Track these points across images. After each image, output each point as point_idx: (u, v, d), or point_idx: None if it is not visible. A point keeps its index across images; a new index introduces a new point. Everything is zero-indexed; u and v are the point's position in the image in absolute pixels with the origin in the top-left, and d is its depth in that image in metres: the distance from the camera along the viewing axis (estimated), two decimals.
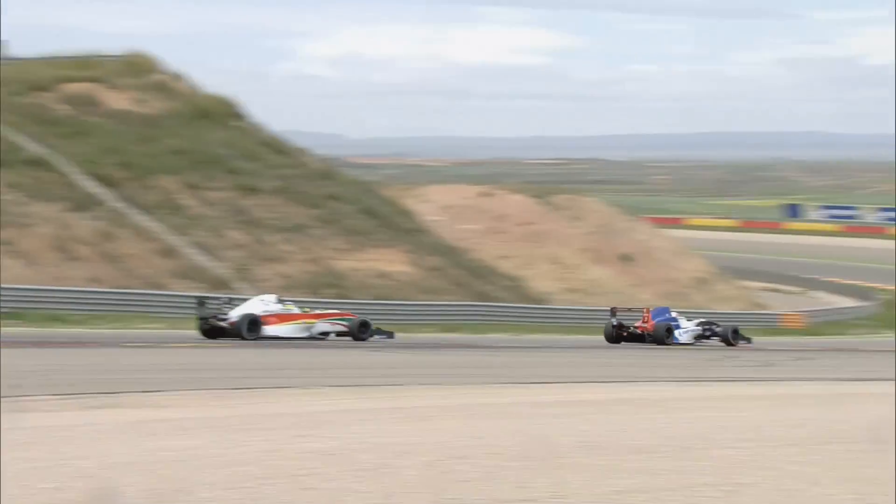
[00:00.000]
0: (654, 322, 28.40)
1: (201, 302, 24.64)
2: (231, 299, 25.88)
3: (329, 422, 9.19)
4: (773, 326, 44.27)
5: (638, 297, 48.77)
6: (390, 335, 25.82)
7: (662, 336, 28.23)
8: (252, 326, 23.90)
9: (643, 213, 74.64)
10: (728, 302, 52.06)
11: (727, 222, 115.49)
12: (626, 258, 53.12)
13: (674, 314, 29.39)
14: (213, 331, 23.87)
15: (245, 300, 25.51)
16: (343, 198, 43.90)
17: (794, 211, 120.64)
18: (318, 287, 37.27)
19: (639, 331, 28.33)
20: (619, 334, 28.18)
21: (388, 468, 6.59)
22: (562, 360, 22.32)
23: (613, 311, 28.67)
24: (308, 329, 25.04)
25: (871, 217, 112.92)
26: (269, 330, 24.15)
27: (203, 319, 24.14)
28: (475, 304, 39.37)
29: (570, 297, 47.55)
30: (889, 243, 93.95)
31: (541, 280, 48.64)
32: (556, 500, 5.85)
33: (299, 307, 25.51)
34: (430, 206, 55.27)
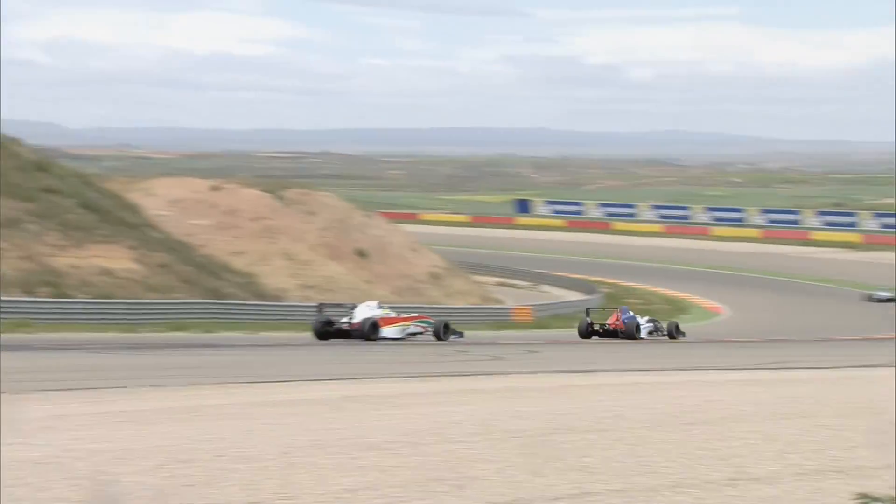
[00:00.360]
0: (623, 321, 33.23)
1: (321, 308, 29.15)
2: (339, 305, 30.69)
3: (48, 427, 8.81)
4: (506, 320, 45.76)
5: (373, 293, 49.34)
6: (461, 335, 29.75)
7: (633, 332, 33.08)
8: (373, 329, 27.99)
9: (378, 208, 75.52)
10: (462, 297, 53.45)
11: (460, 217, 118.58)
12: (361, 254, 53.58)
13: (631, 313, 34.35)
14: (330, 333, 27.86)
15: (354, 307, 29.37)
16: (60, 191, 42.06)
17: (523, 206, 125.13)
18: (33, 286, 35.54)
19: (612, 328, 33.12)
20: (592, 331, 32.52)
21: (105, 475, 6.39)
22: (295, 357, 22.28)
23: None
24: (404, 330, 28.94)
25: (596, 212, 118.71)
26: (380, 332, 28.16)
27: (321, 323, 28.08)
28: (206, 302, 38.66)
29: (305, 293, 47.50)
30: (610, 238, 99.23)
31: (275, 276, 48.32)
32: (285, 502, 5.84)
33: (395, 312, 29.71)
34: (157, 199, 53.81)
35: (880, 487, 5.60)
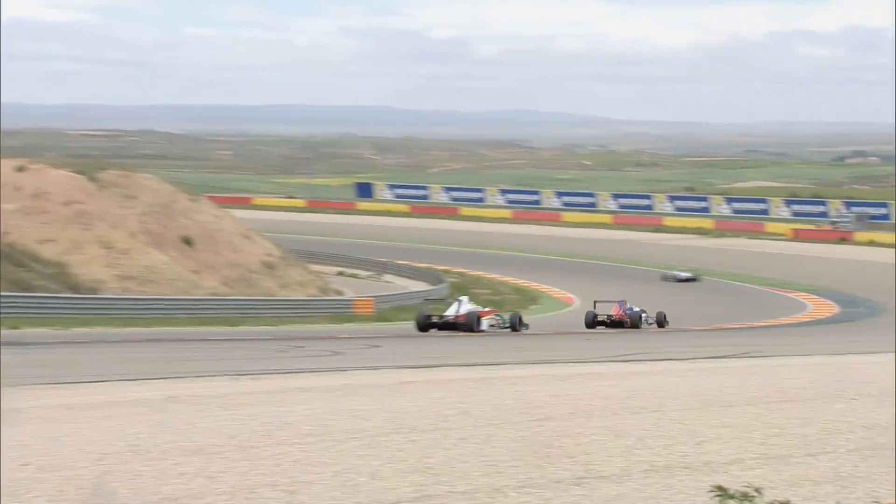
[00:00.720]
0: (625, 312, 38.81)
1: (426, 301, 36.83)
2: (439, 300, 37.34)
3: None
4: (348, 313, 45.70)
5: (200, 284, 48.60)
6: (527, 326, 35.20)
7: (638, 321, 38.71)
8: (478, 321, 33.49)
9: (206, 191, 74.41)
10: (299, 288, 53.14)
11: (296, 202, 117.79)
12: (186, 241, 52.68)
13: (635, 308, 39.74)
14: (434, 325, 33.59)
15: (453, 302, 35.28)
16: None
17: (364, 190, 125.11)
18: None
19: (617, 318, 38.60)
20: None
21: None
22: (114, 356, 21.83)
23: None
24: (489, 323, 33.99)
25: (441, 197, 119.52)
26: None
27: (425, 316, 34.09)
28: (11, 295, 37.49)
29: (124, 284, 46.49)
30: (457, 224, 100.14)
31: (89, 266, 47.14)
32: None
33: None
34: None
35: (729, 483, 5.83)
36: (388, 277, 63.68)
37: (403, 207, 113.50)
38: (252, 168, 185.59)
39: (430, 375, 15.02)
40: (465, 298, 35.35)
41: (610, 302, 40.90)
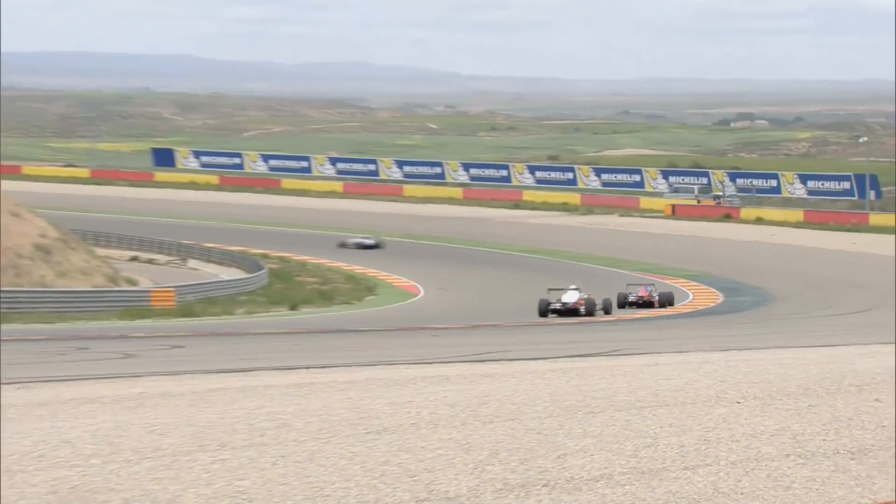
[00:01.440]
0: (654, 294, 47.96)
1: (550, 290, 44.15)
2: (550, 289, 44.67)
3: None
4: (144, 307, 45.11)
5: None
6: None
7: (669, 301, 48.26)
8: (594, 306, 42.75)
9: None
10: (82, 277, 52.16)
11: (78, 172, 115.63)
12: None
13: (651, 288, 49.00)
14: (555, 311, 42.28)
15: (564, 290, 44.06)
16: None
17: (163, 158, 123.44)
18: None
19: (646, 298, 47.46)
20: (629, 301, 46.74)
21: None
22: None
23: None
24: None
25: (258, 166, 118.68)
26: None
27: (546, 303, 42.78)
28: None
29: None
30: (277, 199, 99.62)
31: None
32: None
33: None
34: None
35: (592, 502, 5.96)
36: (193, 263, 63.00)
37: (212, 179, 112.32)
38: (20, 129, 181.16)
39: (243, 381, 14.95)
40: (573, 286, 44.47)
41: (637, 285, 49.63)
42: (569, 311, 42.32)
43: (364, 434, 9.61)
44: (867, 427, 10.50)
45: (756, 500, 7.63)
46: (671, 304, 48.27)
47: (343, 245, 69.09)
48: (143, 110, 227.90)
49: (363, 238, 70.29)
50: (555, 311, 42.50)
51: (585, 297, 43.55)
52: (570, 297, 43.12)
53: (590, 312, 42.67)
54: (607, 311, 44.13)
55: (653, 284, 50.18)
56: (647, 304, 47.36)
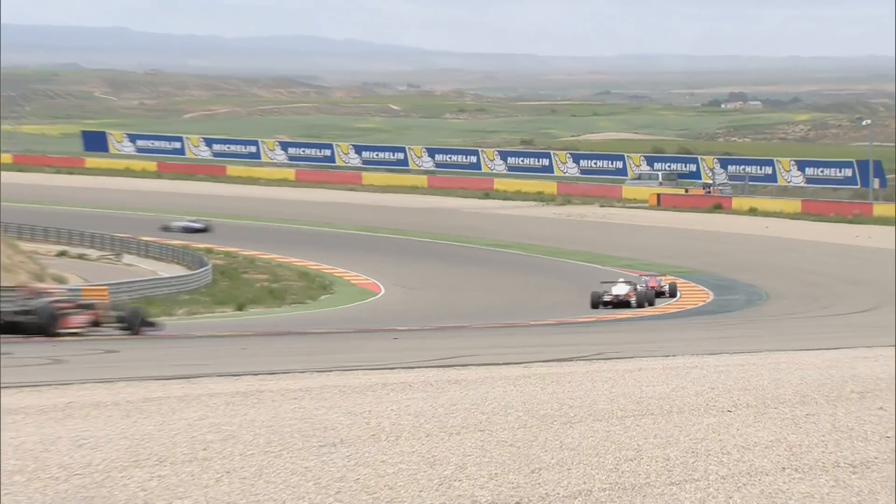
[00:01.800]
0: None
1: (603, 282, 49.31)
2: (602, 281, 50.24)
3: None
4: None
5: None
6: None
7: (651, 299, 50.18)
8: (650, 297, 49.08)
9: None
10: (6, 274, 51.95)
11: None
12: None
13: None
14: (607, 304, 46.74)
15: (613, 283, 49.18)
16: None
17: (94, 142, 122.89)
18: None
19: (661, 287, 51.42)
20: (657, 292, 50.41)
21: None
22: None
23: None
24: None
25: (201, 151, 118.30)
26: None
27: (598, 294, 47.28)
28: None
29: None
30: (222, 187, 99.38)
31: None
32: None
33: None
34: None
35: None
36: (129, 259, 62.83)
37: (149, 165, 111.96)
38: None
39: (184, 389, 14.91)
40: (623, 279, 49.53)
41: (651, 275, 52.76)
42: (620, 303, 46.97)
43: (318, 447, 9.59)
44: (870, 438, 10.55)
45: None
46: (675, 295, 51.73)
47: (167, 229, 70.52)
48: (72, 89, 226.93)
49: (191, 221, 72.40)
50: (607, 304, 46.90)
51: (637, 289, 48.26)
52: (621, 290, 47.62)
53: (640, 304, 47.42)
54: (651, 303, 48.72)
55: (663, 275, 54.05)
56: (661, 293, 51.15)
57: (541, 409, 12.11)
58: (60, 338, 30.22)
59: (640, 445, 9.77)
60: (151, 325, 33.94)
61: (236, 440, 9.87)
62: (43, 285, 38.08)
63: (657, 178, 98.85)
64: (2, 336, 29.18)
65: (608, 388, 14.11)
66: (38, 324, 30.87)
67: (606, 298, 47.36)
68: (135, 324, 32.89)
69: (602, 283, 50.01)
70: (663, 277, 53.14)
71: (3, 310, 31.30)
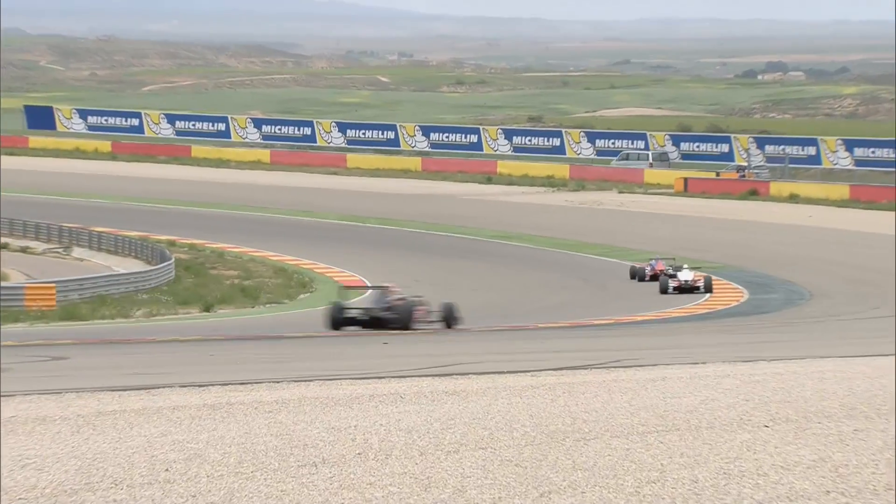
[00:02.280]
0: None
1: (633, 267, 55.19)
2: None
3: None
4: (16, 308, 44.97)
5: None
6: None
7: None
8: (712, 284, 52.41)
9: None
10: None
11: None
12: None
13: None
14: (675, 289, 51.29)
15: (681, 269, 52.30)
16: None
17: (39, 118, 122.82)
18: None
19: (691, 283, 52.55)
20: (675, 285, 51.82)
21: None
22: None
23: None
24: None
25: (162, 131, 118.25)
26: None
27: (668, 281, 51.40)
28: None
29: None
30: (187, 170, 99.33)
31: None
32: None
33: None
34: None
35: None
36: (79, 253, 62.83)
37: (103, 144, 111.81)
38: None
39: (141, 402, 14.93)
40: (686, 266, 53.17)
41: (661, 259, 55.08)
42: (689, 289, 51.59)
43: (297, 467, 9.61)
44: None
45: None
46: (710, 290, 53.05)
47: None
48: (14, 58, 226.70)
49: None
50: (676, 289, 51.47)
51: (704, 273, 52.59)
52: (687, 275, 51.90)
53: (708, 289, 51.42)
54: (709, 289, 51.96)
55: (673, 259, 56.01)
56: (688, 289, 52.93)
57: (551, 423, 12.13)
58: (412, 331, 36.95)
59: (665, 465, 9.79)
60: (459, 319, 39.18)
61: (203, 460, 9.89)
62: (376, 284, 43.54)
63: (647, 159, 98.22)
64: (367, 329, 36.90)
65: (627, 399, 14.13)
66: (400, 319, 37.52)
67: (675, 284, 51.74)
68: (451, 317, 38.68)
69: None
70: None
71: (372, 307, 38.45)
